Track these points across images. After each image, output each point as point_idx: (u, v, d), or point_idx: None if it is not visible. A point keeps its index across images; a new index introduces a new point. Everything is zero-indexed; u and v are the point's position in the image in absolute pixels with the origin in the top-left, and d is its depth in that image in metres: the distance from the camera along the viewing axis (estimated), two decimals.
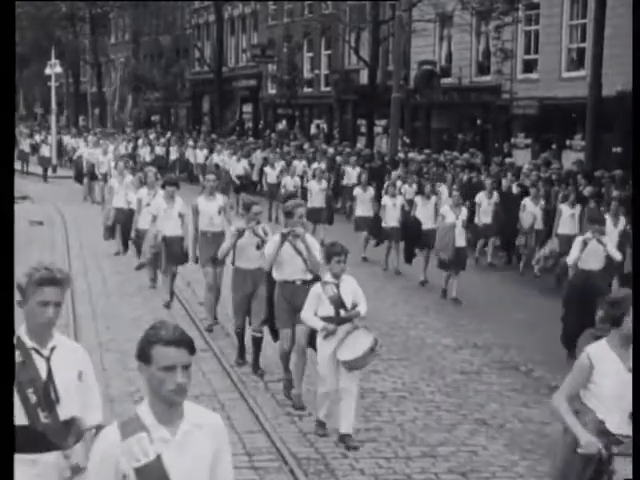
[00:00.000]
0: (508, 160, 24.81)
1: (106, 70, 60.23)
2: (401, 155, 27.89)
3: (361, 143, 35.66)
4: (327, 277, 8.65)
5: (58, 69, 49.51)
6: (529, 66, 29.27)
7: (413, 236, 17.44)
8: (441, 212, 16.07)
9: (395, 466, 8.14)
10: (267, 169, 27.27)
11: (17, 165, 39.49)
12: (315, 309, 8.57)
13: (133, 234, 15.98)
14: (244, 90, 47.23)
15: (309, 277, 9.51)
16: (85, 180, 29.48)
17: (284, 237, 9.47)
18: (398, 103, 29.76)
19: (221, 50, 47.33)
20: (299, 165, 27.76)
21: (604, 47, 21.93)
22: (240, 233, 10.56)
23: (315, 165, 26.01)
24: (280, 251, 9.48)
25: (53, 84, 49.00)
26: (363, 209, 19.52)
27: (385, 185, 20.65)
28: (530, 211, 18.65)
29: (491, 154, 26.74)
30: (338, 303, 8.54)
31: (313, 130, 41.52)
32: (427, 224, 17.25)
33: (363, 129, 37.28)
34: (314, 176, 22.52)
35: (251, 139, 37.74)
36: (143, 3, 49.48)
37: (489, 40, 29.72)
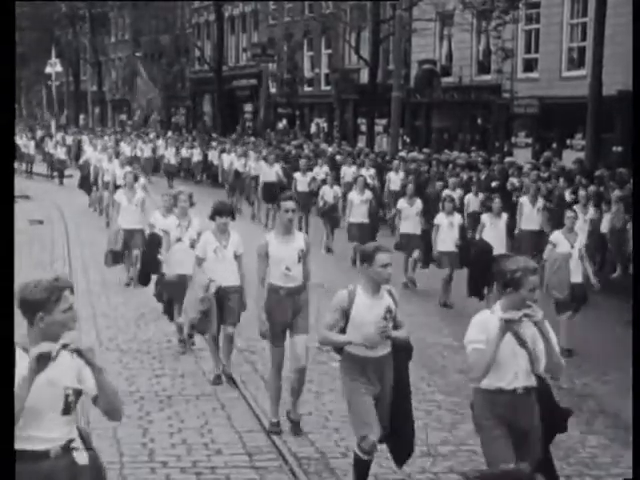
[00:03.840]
0: (508, 159, 24.80)
1: (106, 69, 60.29)
2: (403, 154, 27.84)
3: (361, 142, 35.67)
4: None
5: (58, 68, 49.56)
6: (529, 65, 29.28)
7: (482, 264, 13.65)
8: (551, 239, 12.84)
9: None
10: (297, 175, 22.88)
11: (45, 169, 37.51)
12: None
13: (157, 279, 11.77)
14: (244, 89, 47.25)
15: (534, 383, 6.16)
16: (94, 189, 25.62)
17: (508, 325, 5.90)
18: (398, 102, 29.76)
19: (221, 49, 47.35)
20: (348, 171, 24.48)
21: (604, 46, 21.92)
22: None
23: (363, 171, 23.20)
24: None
25: (54, 83, 49.06)
26: (408, 225, 16.37)
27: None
28: None
29: (492, 153, 26.73)
30: None
31: (313, 129, 41.53)
32: (498, 249, 13.94)
33: (363, 128, 37.28)
34: (355, 185, 19.05)
35: (252, 138, 37.66)
36: (143, 2, 49.53)
37: (489, 39, 29.73)
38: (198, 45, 50.47)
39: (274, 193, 22.64)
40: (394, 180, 23.14)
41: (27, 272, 15.06)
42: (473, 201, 18.45)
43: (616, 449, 8.65)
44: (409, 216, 16.44)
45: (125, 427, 8.67)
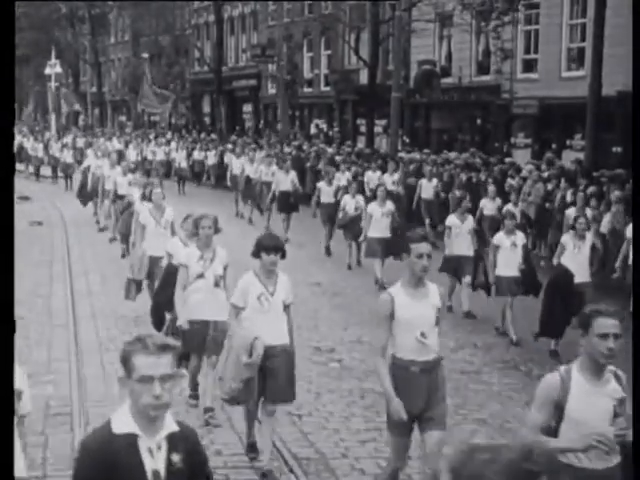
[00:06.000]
0: (508, 160, 24.80)
1: (106, 70, 60.31)
2: (402, 155, 27.81)
3: (361, 143, 35.67)
4: None
5: (58, 69, 49.56)
6: (529, 66, 29.27)
7: (560, 296, 11.72)
8: None
9: None
10: (322, 185, 20.52)
11: (48, 171, 36.29)
12: None
13: (169, 325, 9.75)
14: (244, 90, 47.28)
15: None
16: (95, 199, 23.21)
17: None
18: (398, 103, 29.75)
19: (221, 50, 47.37)
20: (373, 177, 22.66)
21: (604, 46, 21.93)
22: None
23: (386, 177, 21.65)
24: None
25: (53, 84, 49.03)
26: (459, 245, 14.34)
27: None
28: None
29: (491, 154, 26.74)
30: None
31: (313, 130, 41.54)
32: (580, 277, 11.90)
33: (363, 129, 37.29)
34: (375, 196, 17.22)
35: (248, 139, 37.65)
36: (143, 3, 49.58)
37: (489, 40, 29.71)
38: (198, 46, 50.49)
39: (290, 202, 21.48)
40: (426, 188, 21.52)
41: (27, 272, 15.07)
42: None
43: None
44: (460, 234, 14.35)
45: None
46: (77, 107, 51.16)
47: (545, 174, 21.03)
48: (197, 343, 8.98)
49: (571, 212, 15.39)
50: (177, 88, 49.98)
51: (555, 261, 12.41)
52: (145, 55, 49.42)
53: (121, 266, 17.20)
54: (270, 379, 7.64)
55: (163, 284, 10.51)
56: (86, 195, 23.84)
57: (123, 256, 17.39)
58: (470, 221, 14.61)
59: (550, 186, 20.04)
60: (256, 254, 7.69)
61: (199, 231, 9.12)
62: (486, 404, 10.02)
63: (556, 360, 11.42)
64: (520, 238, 13.07)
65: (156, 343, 3.64)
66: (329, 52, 40.50)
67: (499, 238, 13.06)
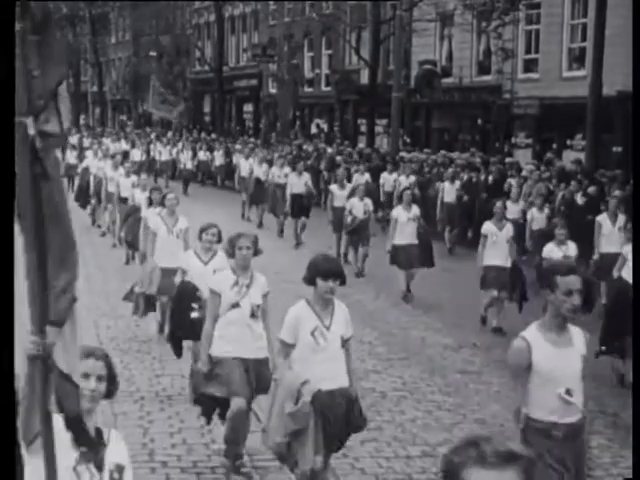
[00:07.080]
0: (509, 159, 24.78)
1: (106, 69, 60.35)
2: (404, 154, 27.79)
3: (362, 143, 35.68)
4: None
5: None
6: (530, 66, 29.29)
7: (618, 311, 10.28)
8: None
9: (395, 466, 8.14)
10: (334, 188, 19.32)
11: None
12: None
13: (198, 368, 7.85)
14: (245, 90, 47.30)
15: None
16: (93, 202, 22.39)
17: None
18: (399, 103, 29.78)
19: (222, 50, 47.42)
20: (389, 179, 22.02)
21: (605, 47, 21.94)
22: None
23: (402, 179, 20.89)
24: None
25: None
26: (497, 255, 12.88)
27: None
28: None
29: (492, 154, 26.74)
30: None
31: (313, 130, 41.54)
32: None
33: (364, 129, 37.30)
34: (400, 199, 15.97)
35: (252, 139, 37.63)
36: (143, 3, 49.60)
37: (490, 40, 29.76)
38: (198, 45, 50.54)
39: (302, 206, 20.54)
40: (449, 191, 20.53)
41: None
42: (538, 217, 16.06)
43: (616, 449, 8.65)
44: (498, 243, 12.98)
45: (125, 427, 8.68)
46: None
47: (546, 174, 21.01)
48: (234, 386, 7.44)
49: (601, 218, 14.29)
50: (177, 87, 50.05)
51: (615, 274, 11.11)
52: (153, 53, 49.30)
53: (122, 266, 17.27)
54: (330, 430, 6.40)
55: (177, 306, 9.30)
56: (84, 197, 22.98)
57: (127, 262, 17.37)
58: (509, 228, 13.23)
59: (551, 186, 20.02)
60: (310, 280, 6.40)
61: (235, 252, 7.68)
62: (486, 404, 10.01)
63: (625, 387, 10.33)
64: (572, 249, 12.02)
65: (498, 451, 2.40)
66: (330, 52, 40.54)
67: (549, 250, 12.05)
